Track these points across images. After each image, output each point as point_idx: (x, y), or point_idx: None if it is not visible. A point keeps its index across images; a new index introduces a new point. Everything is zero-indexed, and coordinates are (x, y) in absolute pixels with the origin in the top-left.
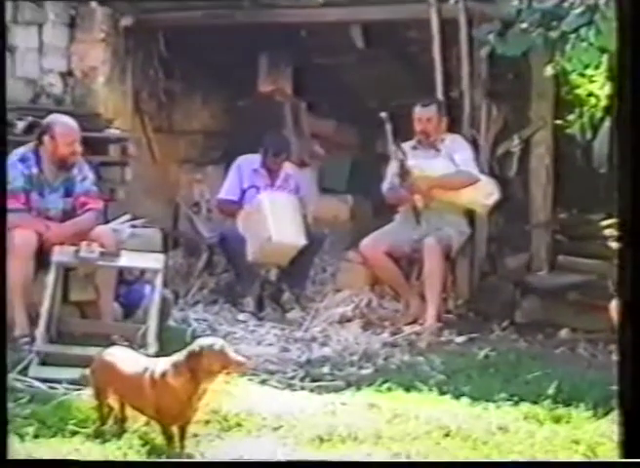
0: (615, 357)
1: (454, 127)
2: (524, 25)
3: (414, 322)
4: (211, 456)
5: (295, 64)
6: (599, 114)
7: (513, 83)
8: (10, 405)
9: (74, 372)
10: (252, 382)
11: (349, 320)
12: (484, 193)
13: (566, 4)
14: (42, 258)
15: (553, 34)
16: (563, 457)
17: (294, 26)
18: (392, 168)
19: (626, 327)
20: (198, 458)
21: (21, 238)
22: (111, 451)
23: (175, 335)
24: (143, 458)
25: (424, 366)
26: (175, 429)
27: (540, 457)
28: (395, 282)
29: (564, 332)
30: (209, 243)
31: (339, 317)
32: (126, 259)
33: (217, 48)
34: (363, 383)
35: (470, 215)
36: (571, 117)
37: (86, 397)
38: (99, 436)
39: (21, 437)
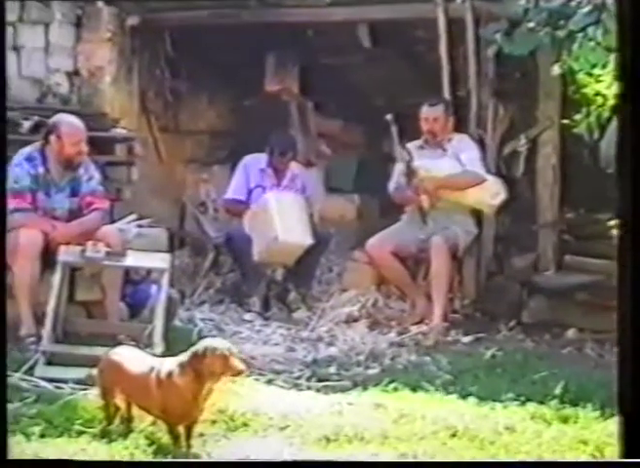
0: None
1: (460, 126)
2: (531, 25)
3: (420, 322)
4: (217, 456)
5: (301, 64)
6: (606, 114)
7: (520, 82)
8: (16, 404)
9: (80, 372)
10: (258, 382)
11: (356, 320)
12: (491, 193)
13: (573, 3)
14: (48, 258)
15: (560, 33)
16: (570, 457)
17: (300, 26)
18: (399, 167)
19: (626, 327)
20: (204, 458)
21: (28, 238)
22: (117, 451)
23: (181, 335)
24: (150, 458)
25: (431, 366)
26: (181, 429)
27: (548, 457)
28: (402, 282)
29: (571, 332)
30: (215, 242)
31: (345, 317)
32: (132, 259)
33: (223, 47)
34: (369, 383)
35: (477, 215)
36: (578, 117)
37: (92, 397)
38: (105, 436)
39: (28, 436)
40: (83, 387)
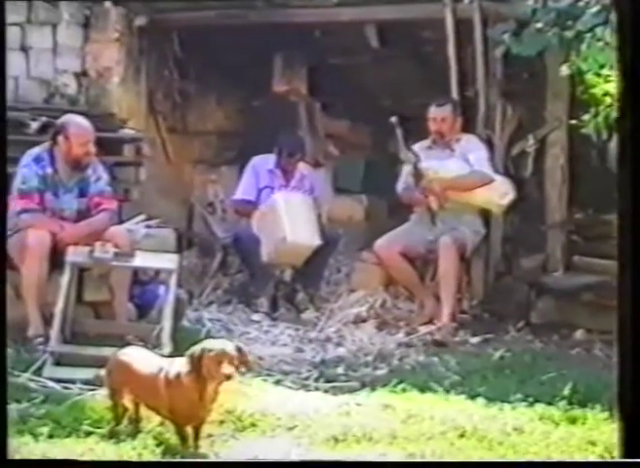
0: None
1: (468, 127)
2: (539, 25)
3: (428, 322)
4: (225, 456)
5: (309, 64)
6: (615, 114)
7: (528, 83)
8: (24, 405)
9: (88, 373)
10: (266, 382)
11: (364, 320)
12: (499, 193)
13: (581, 3)
14: (56, 259)
15: (569, 34)
16: (579, 458)
17: (308, 26)
18: (407, 168)
19: (626, 327)
20: (212, 458)
21: (36, 238)
22: (126, 452)
23: (189, 336)
24: (158, 459)
25: (439, 366)
26: (189, 429)
27: (556, 458)
28: (410, 282)
29: (579, 333)
30: (223, 243)
31: (353, 317)
32: (140, 260)
33: (231, 48)
34: (378, 384)
35: (485, 216)
36: (586, 117)
37: (100, 397)
38: (113, 436)
39: (36, 437)
40: (91, 387)
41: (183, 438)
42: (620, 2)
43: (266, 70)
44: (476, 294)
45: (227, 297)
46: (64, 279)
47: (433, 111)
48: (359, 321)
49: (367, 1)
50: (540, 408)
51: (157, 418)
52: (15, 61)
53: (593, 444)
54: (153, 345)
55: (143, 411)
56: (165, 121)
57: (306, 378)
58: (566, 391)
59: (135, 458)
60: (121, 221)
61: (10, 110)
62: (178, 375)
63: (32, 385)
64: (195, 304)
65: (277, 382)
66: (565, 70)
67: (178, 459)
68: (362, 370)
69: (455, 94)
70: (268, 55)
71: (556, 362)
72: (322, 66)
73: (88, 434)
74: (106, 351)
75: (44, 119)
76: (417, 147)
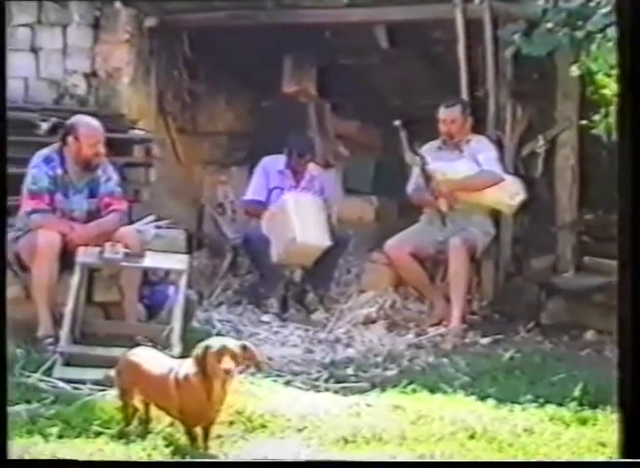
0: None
1: (479, 127)
2: (549, 25)
3: (438, 323)
4: (235, 457)
5: (319, 65)
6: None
7: (538, 83)
8: (34, 405)
9: (98, 373)
10: (276, 383)
11: (374, 321)
12: (509, 193)
13: (592, 4)
14: (66, 259)
15: (579, 34)
16: (579, 459)
17: (318, 27)
18: (416, 169)
19: (626, 327)
20: (222, 459)
21: (46, 239)
22: (135, 452)
23: (199, 336)
24: (168, 459)
25: (449, 367)
26: (199, 430)
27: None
28: (420, 283)
29: (590, 334)
30: (233, 244)
31: (363, 318)
32: (150, 260)
33: (240, 49)
34: (387, 384)
35: (496, 216)
36: (596, 117)
37: (110, 397)
38: (123, 437)
39: (46, 437)
40: (101, 388)
41: (193, 438)
42: (620, 2)
43: (276, 71)
44: (486, 295)
45: (237, 298)
46: (74, 279)
47: (442, 112)
48: (369, 322)
49: (377, 2)
50: (550, 409)
51: (167, 419)
52: (25, 62)
53: (604, 445)
54: (163, 346)
55: (153, 412)
56: (175, 122)
57: (316, 379)
58: (576, 392)
59: (144, 459)
60: (131, 222)
61: (20, 111)
62: (186, 376)
63: (42, 386)
64: (205, 305)
65: (287, 383)
66: (575, 71)
67: (187, 460)
68: (372, 371)
69: (465, 94)
70: (278, 55)
71: (566, 363)
72: (332, 67)
73: (98, 434)
74: (116, 352)
75: (54, 120)
76: (426, 148)
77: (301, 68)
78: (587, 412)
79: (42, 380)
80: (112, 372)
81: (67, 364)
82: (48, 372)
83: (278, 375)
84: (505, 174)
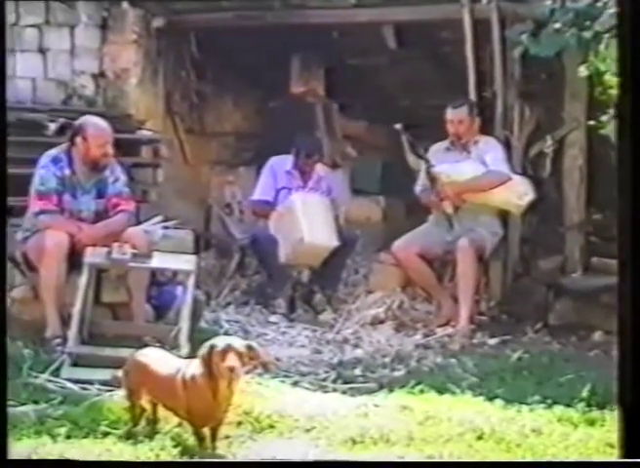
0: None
1: (486, 127)
2: (557, 25)
3: (446, 324)
4: (242, 458)
5: (326, 65)
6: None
7: (546, 83)
8: (42, 405)
9: (106, 374)
10: (284, 384)
11: (381, 321)
12: (517, 193)
13: (600, 4)
14: (74, 260)
15: (587, 34)
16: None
17: (325, 27)
18: (424, 170)
19: (626, 327)
20: (230, 459)
21: (54, 239)
22: (143, 453)
23: (206, 337)
24: (175, 460)
25: (457, 368)
26: (206, 430)
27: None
28: (427, 283)
29: (597, 335)
30: (241, 244)
31: (371, 319)
32: (158, 261)
33: (248, 49)
34: (395, 385)
35: (504, 217)
36: (604, 118)
37: (118, 398)
38: (131, 437)
39: (54, 438)
40: (109, 388)
41: (201, 439)
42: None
43: (284, 71)
44: (494, 296)
45: (245, 299)
46: (82, 280)
47: (450, 113)
48: (377, 322)
49: (384, 2)
50: (558, 409)
51: (175, 419)
52: (32, 63)
53: (612, 446)
54: (171, 346)
55: (161, 412)
56: (182, 122)
57: (324, 380)
58: (584, 393)
59: (152, 459)
60: (139, 222)
61: (28, 112)
62: (193, 376)
63: (50, 386)
64: (213, 305)
65: (295, 383)
66: (583, 71)
67: (195, 460)
68: (380, 372)
69: (472, 94)
70: (286, 56)
71: (574, 363)
72: (339, 67)
73: (105, 435)
74: (124, 352)
75: (62, 120)
76: (434, 149)
77: (309, 69)
78: (595, 413)
79: (50, 381)
80: (120, 373)
81: (75, 364)
82: (56, 373)
83: (286, 376)
84: (513, 174)
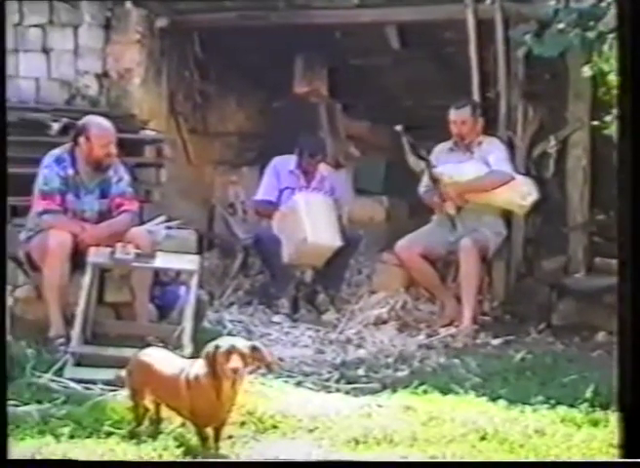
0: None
1: (490, 128)
2: (561, 26)
3: (449, 324)
4: (246, 458)
5: (330, 65)
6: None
7: (550, 84)
8: (45, 405)
9: (109, 373)
10: (287, 384)
11: (385, 322)
12: (521, 193)
13: (603, 4)
14: (77, 260)
15: (590, 34)
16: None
17: (329, 27)
18: (427, 170)
19: (626, 327)
20: (233, 460)
21: (57, 239)
22: (146, 453)
23: (210, 337)
24: (179, 460)
25: (460, 368)
26: (210, 430)
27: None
28: (431, 284)
29: (601, 335)
30: (244, 244)
31: (374, 319)
32: (161, 261)
33: (252, 49)
34: (399, 385)
35: (507, 217)
36: (608, 118)
37: (121, 398)
38: (134, 437)
39: (57, 437)
40: (112, 388)
41: (204, 439)
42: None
43: (287, 71)
44: (497, 296)
45: (248, 299)
46: (86, 280)
47: (453, 114)
48: (380, 322)
49: (388, 2)
50: (561, 410)
51: (178, 419)
52: (36, 63)
53: (615, 446)
54: (174, 346)
55: (164, 412)
56: (186, 122)
57: (327, 380)
58: (588, 393)
59: (155, 459)
60: (142, 222)
61: (31, 111)
62: (197, 376)
63: (53, 386)
64: (216, 305)
65: (298, 384)
66: (587, 71)
67: (198, 460)
68: (383, 372)
69: (476, 95)
70: (289, 56)
71: (578, 364)
72: (343, 67)
73: (109, 435)
74: (127, 352)
75: (65, 120)
76: (438, 149)
77: (312, 69)
78: (599, 414)
79: (53, 380)
80: (123, 373)
81: (79, 364)
82: (59, 373)
83: (289, 376)
84: (517, 174)
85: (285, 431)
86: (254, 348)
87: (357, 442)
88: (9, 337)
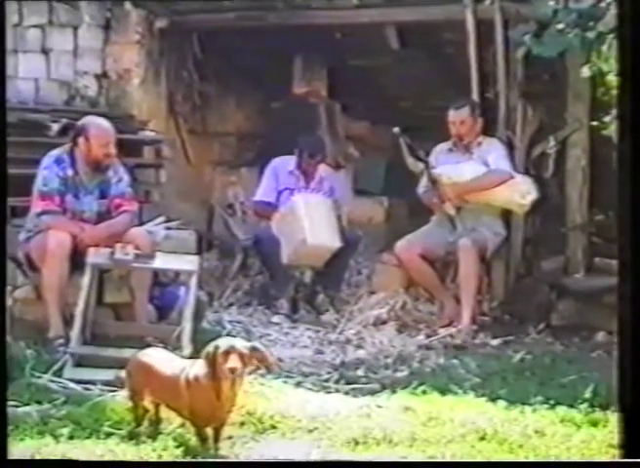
0: None
1: (489, 128)
2: (560, 26)
3: (449, 324)
4: (245, 458)
5: (329, 66)
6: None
7: (549, 84)
8: (45, 406)
9: (109, 374)
10: (286, 384)
11: (384, 322)
12: (521, 192)
13: (603, 4)
14: (77, 260)
15: (590, 35)
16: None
17: (328, 28)
18: (426, 171)
19: (626, 327)
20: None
21: (56, 240)
22: (146, 453)
23: (209, 337)
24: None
25: (460, 368)
26: (209, 431)
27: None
28: (430, 284)
29: (600, 336)
30: (243, 245)
31: (373, 319)
32: (160, 261)
33: (251, 50)
34: (398, 386)
35: (506, 217)
36: (607, 118)
37: (121, 398)
38: (133, 437)
39: (56, 438)
40: (112, 389)
41: (204, 439)
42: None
43: (286, 72)
44: (497, 296)
45: (247, 299)
46: (85, 280)
47: (452, 114)
48: (379, 323)
49: (387, 3)
50: (560, 410)
51: (177, 420)
52: (35, 63)
53: (614, 447)
54: (173, 347)
55: (164, 413)
56: (185, 123)
57: (326, 380)
58: (587, 394)
59: (155, 460)
60: (141, 223)
61: (30, 112)
62: (196, 376)
63: (53, 386)
64: (215, 306)
65: (297, 384)
66: (586, 71)
67: (198, 460)
68: (382, 373)
69: (475, 95)
70: (288, 56)
71: (577, 364)
72: (342, 68)
73: (108, 435)
74: (127, 352)
75: (64, 121)
76: (438, 150)
77: (312, 69)
78: (598, 414)
79: (53, 381)
80: (123, 373)
81: (78, 364)
82: (58, 373)
83: (288, 377)
84: (516, 173)
85: (284, 431)
86: (253, 349)
87: (356, 442)
88: (8, 338)
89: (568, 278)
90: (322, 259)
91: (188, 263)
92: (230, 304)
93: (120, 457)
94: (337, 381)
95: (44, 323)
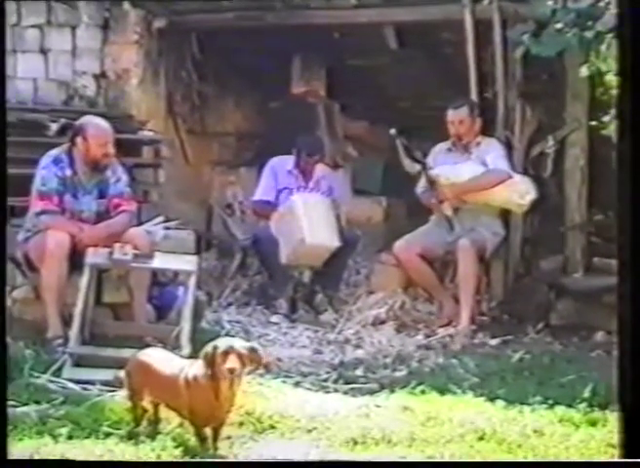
0: None
1: (488, 128)
2: (559, 26)
3: (448, 324)
4: (244, 458)
5: (328, 66)
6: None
7: (548, 84)
8: (44, 406)
9: (108, 374)
10: (285, 384)
11: (383, 322)
12: (519, 192)
13: (601, 4)
14: (75, 260)
15: (588, 34)
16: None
17: (326, 28)
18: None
19: (626, 327)
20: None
21: (55, 240)
22: (145, 453)
23: (208, 337)
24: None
25: (458, 368)
26: (208, 431)
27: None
28: (429, 284)
29: (599, 335)
30: (242, 245)
31: (372, 319)
32: (159, 261)
33: (249, 50)
34: (397, 386)
35: (505, 217)
36: (606, 118)
37: (120, 398)
38: (132, 437)
39: (55, 438)
40: (110, 389)
41: (203, 439)
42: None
43: (285, 72)
44: (495, 296)
45: (246, 299)
46: (84, 280)
47: (450, 114)
48: (378, 323)
49: (385, 2)
50: (559, 410)
51: (176, 420)
52: (34, 63)
53: (613, 446)
54: (172, 347)
55: (163, 413)
56: (184, 122)
57: (325, 380)
58: (586, 393)
59: (154, 460)
60: (140, 223)
61: (29, 112)
62: (195, 376)
63: (52, 386)
64: (214, 306)
65: (296, 384)
66: (585, 71)
67: (197, 460)
68: (381, 372)
69: (474, 95)
70: (287, 56)
71: (576, 364)
72: (341, 68)
73: (107, 435)
74: (126, 352)
75: (63, 121)
76: (436, 150)
77: (310, 69)
78: (597, 414)
79: (51, 381)
80: (122, 373)
81: (77, 364)
82: (57, 373)
83: (287, 376)
84: (515, 173)
85: (283, 431)
86: (252, 349)
87: (355, 442)
88: (7, 338)
89: (567, 278)
90: (321, 259)
91: (187, 263)
92: (229, 304)
93: (119, 457)
94: (335, 381)
95: (43, 323)
